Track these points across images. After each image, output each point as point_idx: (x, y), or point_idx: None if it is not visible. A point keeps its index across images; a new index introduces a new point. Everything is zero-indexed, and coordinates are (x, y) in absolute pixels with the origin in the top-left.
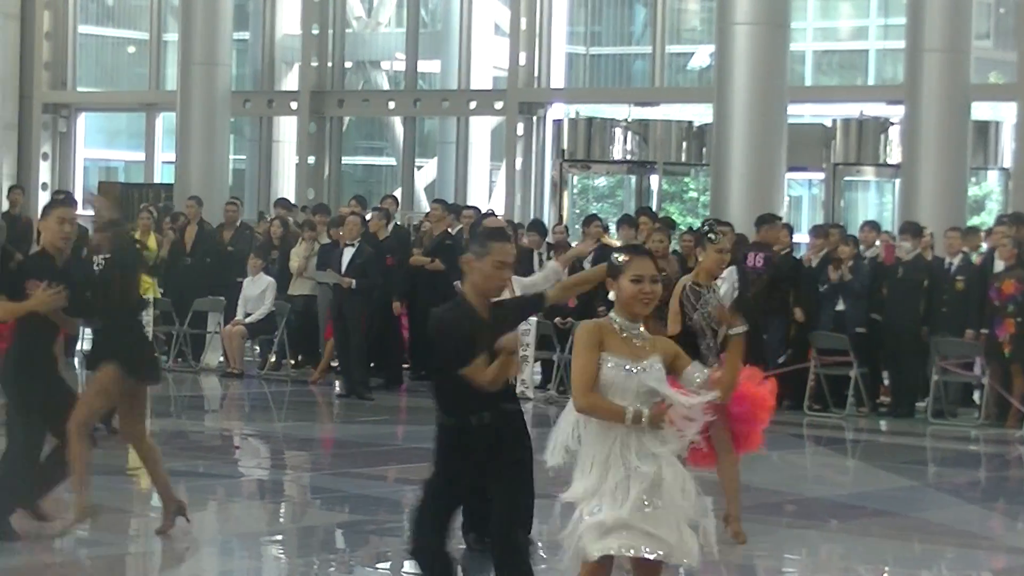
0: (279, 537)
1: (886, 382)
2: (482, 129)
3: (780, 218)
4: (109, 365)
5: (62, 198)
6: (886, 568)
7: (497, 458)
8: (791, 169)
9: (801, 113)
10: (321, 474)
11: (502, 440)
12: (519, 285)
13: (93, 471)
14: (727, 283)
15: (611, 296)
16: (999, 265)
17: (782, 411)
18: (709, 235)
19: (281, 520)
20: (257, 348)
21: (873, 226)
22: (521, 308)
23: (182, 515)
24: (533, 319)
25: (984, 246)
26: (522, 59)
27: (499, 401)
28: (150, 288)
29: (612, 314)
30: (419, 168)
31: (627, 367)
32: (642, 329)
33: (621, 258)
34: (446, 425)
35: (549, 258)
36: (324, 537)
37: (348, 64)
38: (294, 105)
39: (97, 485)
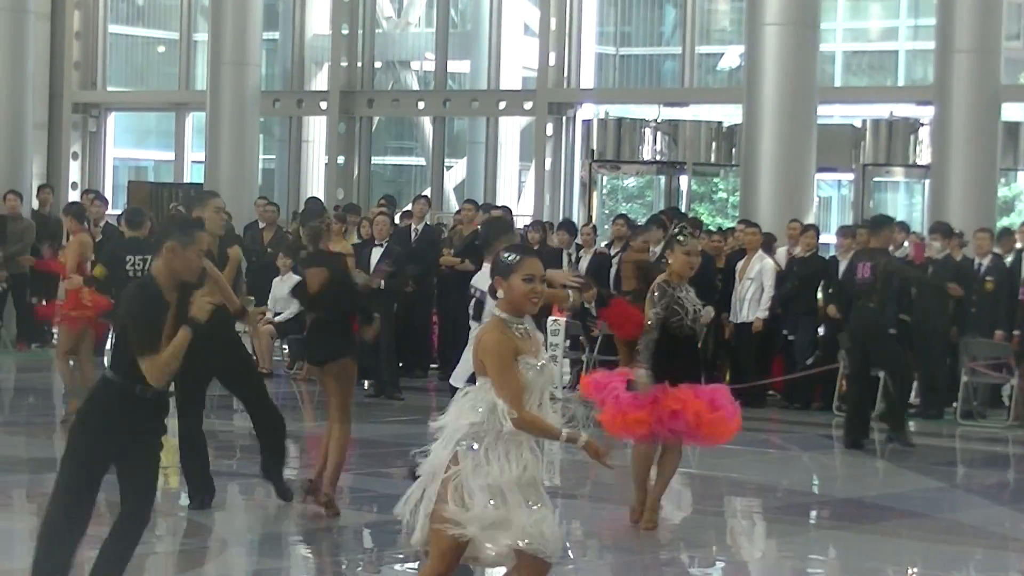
0: (308, 536)
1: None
2: (512, 129)
3: (892, 219)
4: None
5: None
6: (915, 569)
7: None
8: (820, 170)
9: (831, 114)
10: (350, 473)
11: None
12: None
13: None
14: (755, 283)
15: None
16: None
17: (812, 412)
18: (678, 237)
19: (310, 519)
20: (286, 348)
21: (902, 226)
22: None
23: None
24: (562, 320)
25: (1020, 245)
26: (552, 59)
27: None
28: None
29: (499, 312)
30: (449, 168)
31: (535, 364)
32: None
33: (512, 257)
34: None
35: (579, 259)
36: (353, 536)
37: (378, 64)
38: (324, 105)
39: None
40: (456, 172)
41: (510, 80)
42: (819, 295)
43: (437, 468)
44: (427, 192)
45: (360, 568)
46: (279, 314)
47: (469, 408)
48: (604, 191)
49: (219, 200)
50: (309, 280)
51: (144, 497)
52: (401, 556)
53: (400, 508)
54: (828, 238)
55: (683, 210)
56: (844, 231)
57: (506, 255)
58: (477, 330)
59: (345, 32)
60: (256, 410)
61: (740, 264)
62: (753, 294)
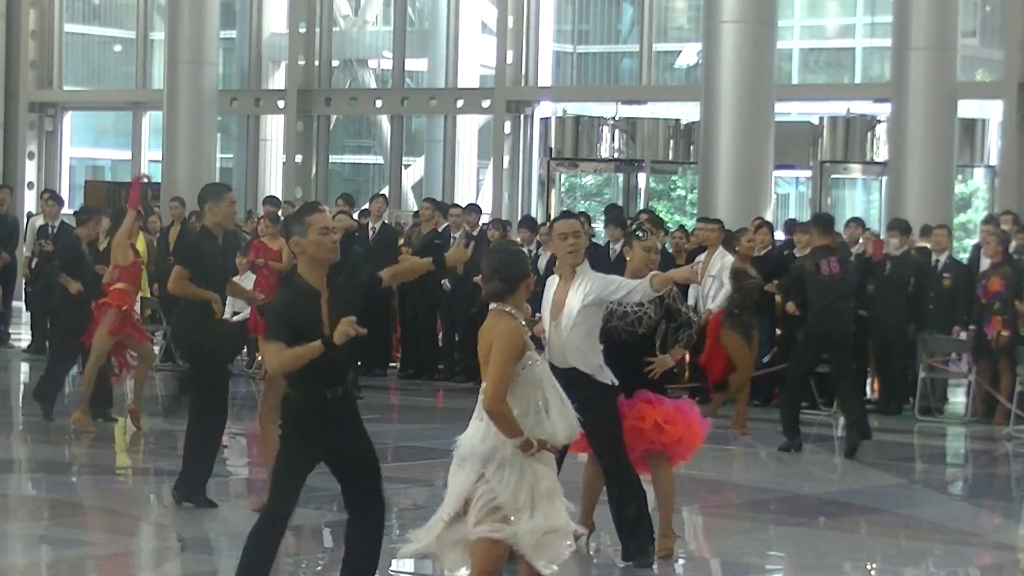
0: None
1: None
2: (470, 127)
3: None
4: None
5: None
6: (874, 565)
7: None
8: (778, 167)
9: (788, 111)
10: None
11: None
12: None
13: None
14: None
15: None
16: (985, 263)
17: (771, 409)
18: (637, 233)
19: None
20: (244, 347)
21: (858, 223)
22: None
23: None
24: None
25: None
26: (509, 57)
27: None
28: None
29: (509, 309)
30: (407, 167)
31: (534, 361)
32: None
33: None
34: None
35: (538, 256)
36: (312, 535)
37: (335, 63)
38: (281, 104)
39: (89, 484)
40: (414, 170)
41: (468, 78)
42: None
43: (462, 491)
44: (385, 191)
45: (320, 567)
46: (237, 313)
47: (486, 431)
48: (562, 189)
49: (233, 194)
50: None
51: (371, 480)
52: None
53: (424, 536)
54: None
55: (641, 207)
56: (802, 228)
57: (522, 251)
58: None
59: (302, 31)
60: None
61: (701, 260)
62: (715, 291)
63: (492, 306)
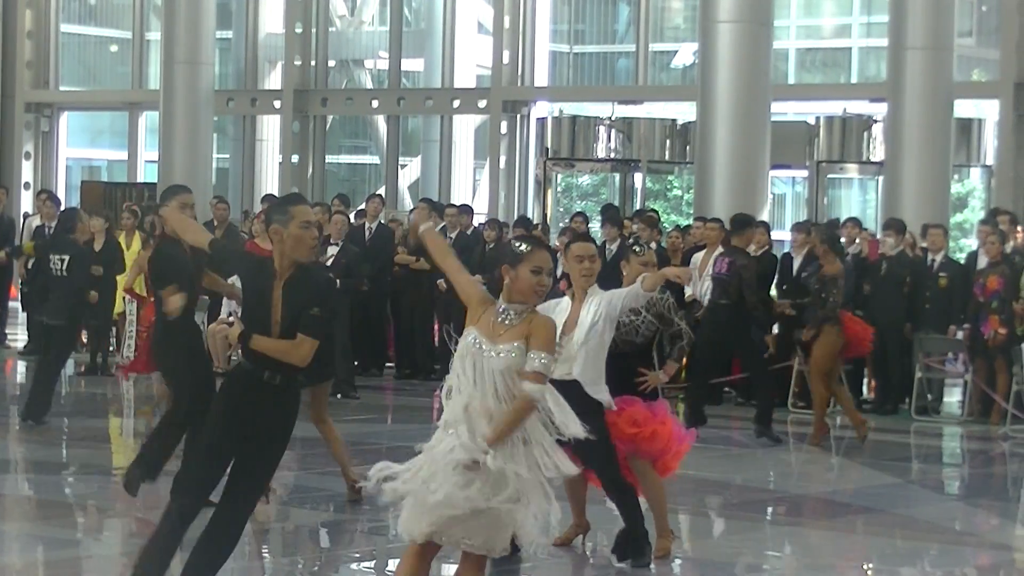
0: (263, 536)
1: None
2: (466, 127)
3: (753, 219)
4: None
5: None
6: (870, 565)
7: None
8: (774, 167)
9: (784, 111)
10: (306, 473)
11: None
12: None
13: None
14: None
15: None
16: (982, 261)
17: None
18: (634, 248)
19: (265, 519)
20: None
21: (855, 223)
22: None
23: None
24: None
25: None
26: (506, 57)
27: None
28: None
29: (501, 299)
30: (403, 167)
31: (484, 348)
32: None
33: (523, 247)
34: None
35: None
36: (308, 536)
37: (331, 63)
38: (277, 104)
39: (87, 485)
40: (410, 171)
41: (464, 78)
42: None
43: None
44: (381, 191)
45: (316, 568)
46: (232, 314)
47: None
48: (559, 189)
49: (186, 196)
50: None
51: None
52: (357, 555)
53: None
54: (783, 235)
55: (638, 207)
56: (798, 227)
57: (517, 244)
58: None
59: (299, 31)
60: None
61: (700, 260)
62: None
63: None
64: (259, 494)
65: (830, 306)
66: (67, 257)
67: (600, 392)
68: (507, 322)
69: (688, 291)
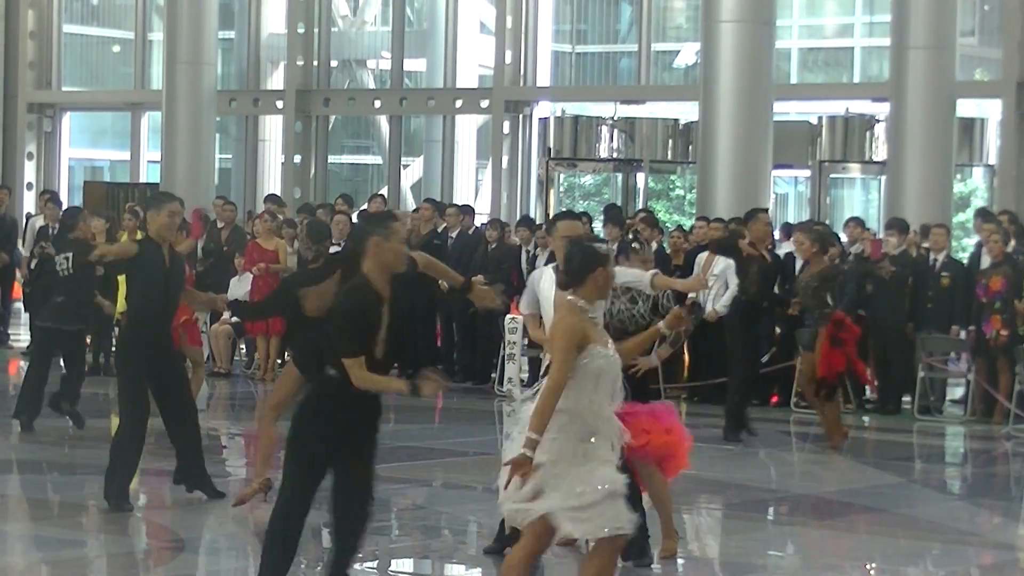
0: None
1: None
2: (468, 127)
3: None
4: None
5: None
6: (873, 564)
7: None
8: (777, 166)
9: (787, 110)
10: None
11: None
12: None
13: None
14: (720, 280)
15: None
16: (986, 261)
17: (769, 409)
18: (633, 244)
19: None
20: (243, 347)
21: (858, 222)
22: None
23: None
24: (520, 317)
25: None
26: (508, 57)
27: None
28: None
29: (574, 298)
30: (405, 167)
31: (606, 353)
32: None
33: (605, 247)
34: None
35: (535, 256)
36: (311, 536)
37: (334, 63)
38: (280, 104)
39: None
40: (413, 171)
41: (466, 78)
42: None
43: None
44: (384, 191)
45: (319, 568)
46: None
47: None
48: (561, 189)
49: (176, 204)
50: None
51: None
52: (359, 555)
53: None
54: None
55: (640, 207)
56: (798, 227)
57: (600, 244)
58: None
59: (301, 31)
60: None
61: (703, 260)
62: (717, 291)
63: (566, 296)
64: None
65: (827, 309)
66: (71, 255)
67: None
68: (597, 323)
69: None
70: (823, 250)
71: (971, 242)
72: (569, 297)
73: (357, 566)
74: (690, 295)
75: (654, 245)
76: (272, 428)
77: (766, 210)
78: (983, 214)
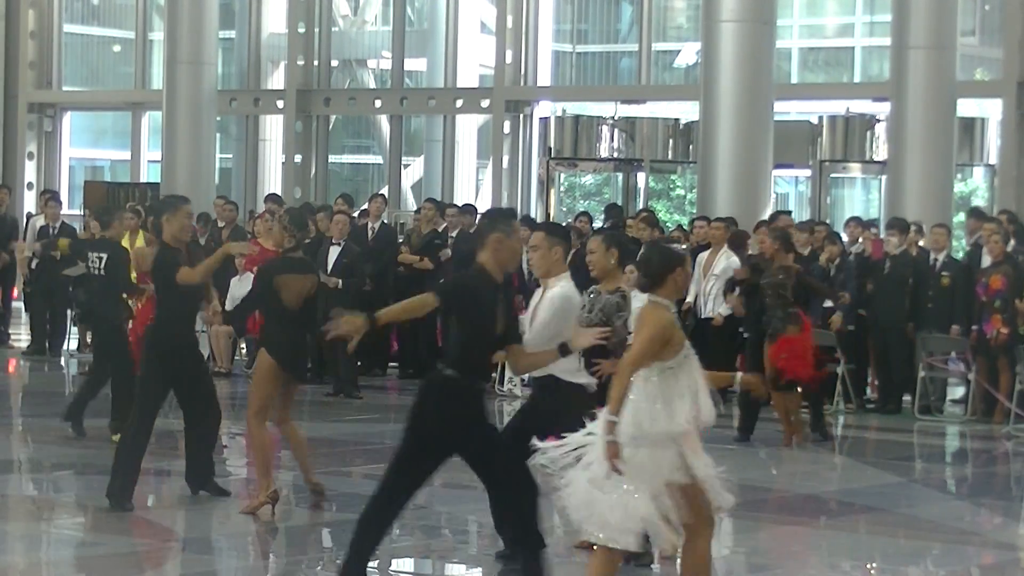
0: (267, 536)
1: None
2: (469, 127)
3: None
4: (263, 353)
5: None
6: (874, 564)
7: None
8: (777, 166)
9: (787, 110)
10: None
11: None
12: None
13: (273, 456)
14: (721, 280)
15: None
16: (986, 261)
17: (771, 409)
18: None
19: (269, 519)
20: (244, 347)
21: (858, 222)
22: None
23: (319, 496)
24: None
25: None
26: (508, 57)
27: None
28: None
29: (661, 300)
30: (406, 166)
31: (687, 353)
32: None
33: (682, 247)
34: None
35: None
36: (312, 536)
37: (334, 63)
38: (280, 104)
39: (89, 484)
40: (413, 170)
41: (467, 78)
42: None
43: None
44: (384, 191)
45: (320, 567)
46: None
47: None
48: (562, 189)
49: (189, 206)
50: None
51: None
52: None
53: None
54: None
55: (641, 207)
56: (801, 227)
57: (677, 246)
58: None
59: (301, 31)
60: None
61: (704, 259)
62: (719, 291)
63: (647, 297)
64: None
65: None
66: (104, 256)
67: (579, 375)
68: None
69: (689, 298)
70: (785, 249)
71: (967, 241)
72: (651, 298)
73: (319, 568)
74: (687, 299)
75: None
76: (263, 433)
77: (788, 212)
78: (976, 213)
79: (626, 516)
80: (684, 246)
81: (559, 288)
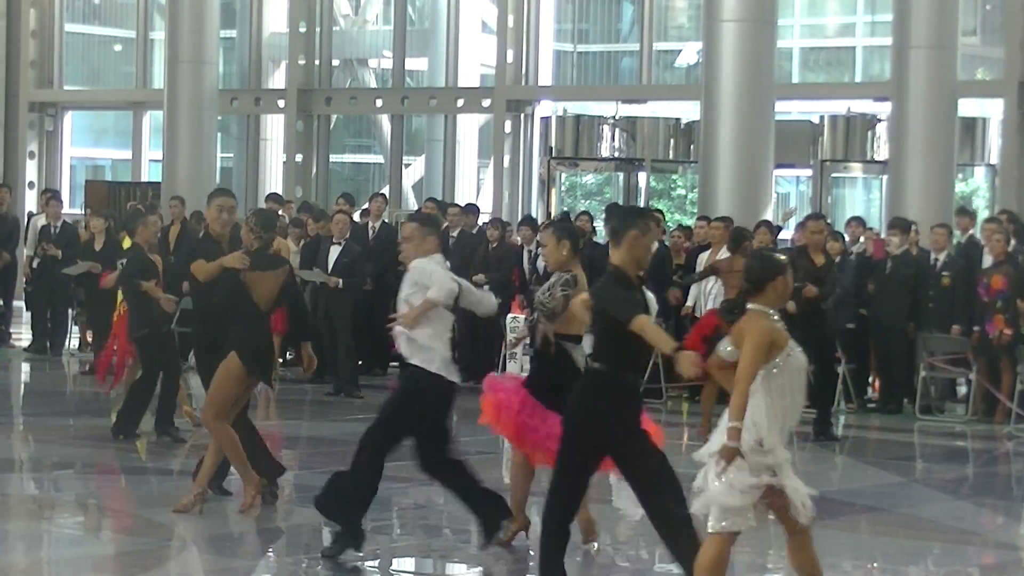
0: (267, 536)
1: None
2: (470, 127)
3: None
4: (233, 356)
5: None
6: (874, 564)
7: None
8: (779, 166)
9: (788, 110)
10: (310, 472)
11: None
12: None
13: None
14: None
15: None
16: (987, 261)
17: None
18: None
19: (269, 519)
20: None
21: (859, 222)
22: None
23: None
24: (522, 317)
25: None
26: (510, 56)
27: None
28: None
29: (762, 308)
30: (407, 166)
31: (789, 350)
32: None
33: (784, 258)
34: None
35: (537, 255)
36: (312, 536)
37: (335, 62)
38: (281, 103)
39: (91, 484)
40: (415, 170)
41: (468, 78)
42: None
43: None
44: (385, 190)
45: (320, 567)
46: None
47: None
48: (563, 188)
49: (223, 199)
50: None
51: (662, 468)
52: (360, 554)
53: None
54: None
55: (642, 206)
56: (800, 226)
57: (780, 256)
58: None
59: (303, 30)
60: None
61: (705, 259)
62: (719, 291)
63: (749, 305)
64: None
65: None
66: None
67: (446, 368)
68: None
69: (689, 302)
70: (736, 242)
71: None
72: (752, 306)
73: (318, 567)
74: (688, 302)
75: (655, 245)
76: (226, 430)
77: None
78: (961, 211)
79: (735, 494)
80: (686, 245)
81: (415, 262)
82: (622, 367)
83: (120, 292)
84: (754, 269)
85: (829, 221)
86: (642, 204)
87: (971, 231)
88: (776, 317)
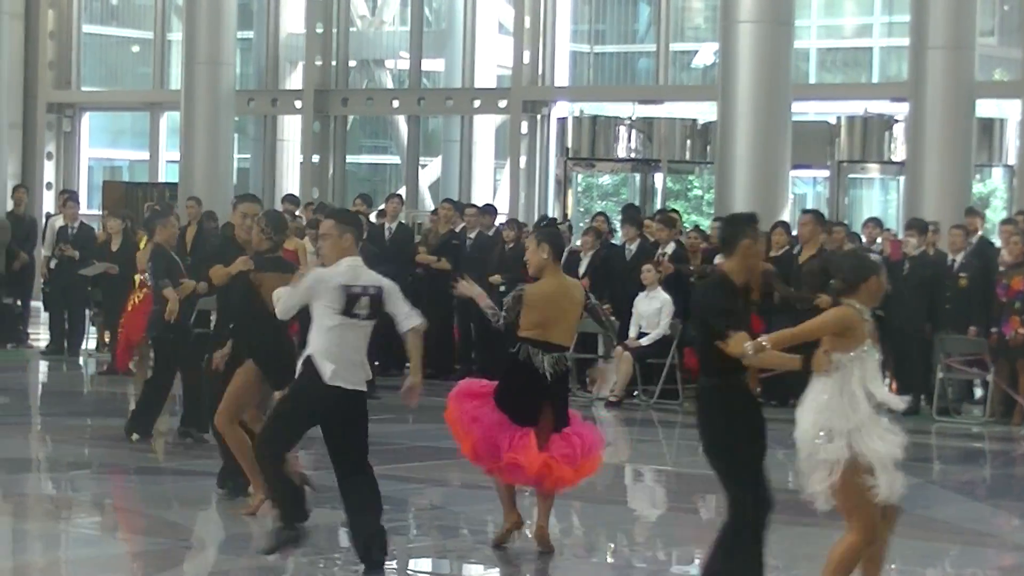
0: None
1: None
2: (486, 127)
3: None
4: (250, 363)
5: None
6: (892, 566)
7: None
8: (795, 167)
9: (805, 111)
10: (326, 472)
11: None
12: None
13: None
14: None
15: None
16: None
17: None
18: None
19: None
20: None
21: (876, 223)
22: None
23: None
24: None
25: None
26: (526, 57)
27: None
28: None
29: (853, 303)
30: (423, 167)
31: (863, 347)
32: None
33: (878, 259)
34: None
35: None
36: (328, 536)
37: (352, 63)
38: (298, 104)
39: (101, 484)
40: (431, 171)
41: (485, 78)
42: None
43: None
44: (402, 191)
45: (337, 568)
46: None
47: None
48: (579, 189)
49: (248, 205)
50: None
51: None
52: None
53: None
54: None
55: (659, 207)
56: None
57: (870, 255)
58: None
59: (319, 31)
60: None
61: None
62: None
63: (846, 301)
64: None
65: None
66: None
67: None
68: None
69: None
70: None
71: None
72: (845, 300)
73: (335, 568)
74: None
75: (672, 246)
76: (238, 432)
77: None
78: (971, 211)
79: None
80: (703, 246)
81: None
82: (733, 377)
83: (138, 287)
84: (845, 270)
85: (846, 222)
86: (659, 205)
87: (979, 231)
88: (867, 316)
